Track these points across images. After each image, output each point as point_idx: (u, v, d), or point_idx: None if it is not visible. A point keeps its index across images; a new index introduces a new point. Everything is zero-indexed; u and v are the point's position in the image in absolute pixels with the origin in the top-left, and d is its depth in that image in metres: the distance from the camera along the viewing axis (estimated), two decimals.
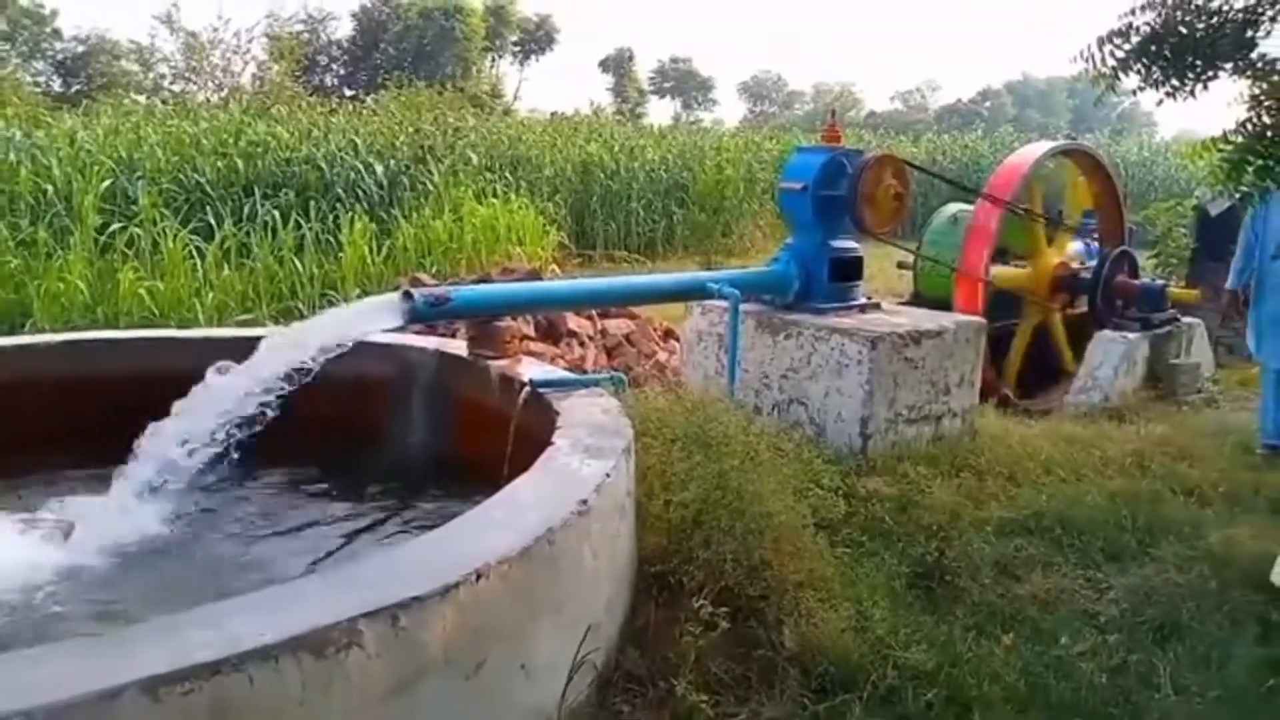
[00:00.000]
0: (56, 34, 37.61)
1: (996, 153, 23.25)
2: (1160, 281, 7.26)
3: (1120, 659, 2.90)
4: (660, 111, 55.90)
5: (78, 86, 33.34)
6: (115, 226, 8.94)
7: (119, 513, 3.05)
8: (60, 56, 36.96)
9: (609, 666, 2.47)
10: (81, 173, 9.79)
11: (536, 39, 45.26)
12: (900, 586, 3.19)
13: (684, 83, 58.63)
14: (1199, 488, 4.32)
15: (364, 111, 16.17)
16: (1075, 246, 7.43)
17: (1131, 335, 6.47)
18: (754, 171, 18.08)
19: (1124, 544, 3.69)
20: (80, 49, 36.65)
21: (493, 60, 43.81)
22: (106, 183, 9.65)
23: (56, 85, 34.93)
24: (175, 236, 8.77)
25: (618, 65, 52.48)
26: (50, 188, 9.49)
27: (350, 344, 3.28)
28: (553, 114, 24.13)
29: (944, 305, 6.26)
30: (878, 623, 2.82)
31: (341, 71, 41.76)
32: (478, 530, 2.17)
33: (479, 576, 1.96)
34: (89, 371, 3.87)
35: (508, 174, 13.72)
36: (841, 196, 4.61)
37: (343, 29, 41.92)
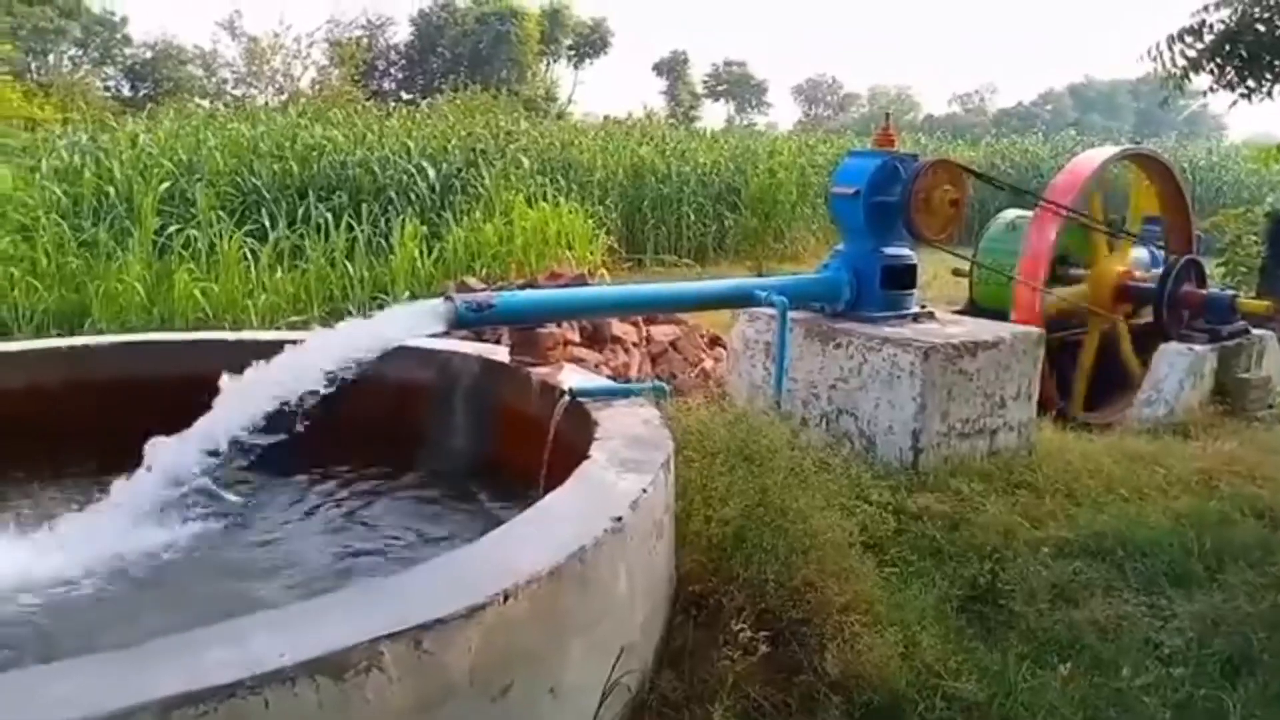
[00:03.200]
0: (126, 40, 38.73)
1: (1057, 157, 22.74)
2: (1229, 291, 6.97)
3: (1186, 693, 2.74)
4: (714, 115, 55.80)
5: (145, 91, 34.27)
6: (173, 228, 9.11)
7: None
8: (130, 62, 38.04)
9: (643, 689, 2.39)
10: (142, 175, 10.00)
11: (591, 42, 45.42)
12: (951, 610, 3.06)
13: (738, 86, 58.42)
14: (1270, 510, 4.10)
15: (418, 115, 16.31)
16: (1140, 254, 7.18)
17: (1198, 347, 6.21)
18: (807, 176, 17.87)
19: (1190, 569, 3.50)
20: (148, 54, 37.67)
21: (547, 64, 44.08)
22: (166, 185, 9.84)
23: (126, 90, 35.95)
24: (231, 238, 8.90)
25: (672, 68, 52.47)
26: (112, 190, 9.71)
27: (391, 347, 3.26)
28: (606, 117, 24.14)
29: (1001, 315, 6.07)
30: (926, 649, 2.69)
31: (399, 76, 42.36)
32: (507, 547, 2.10)
33: (507, 597, 1.89)
34: (137, 373, 3.91)
35: (559, 177, 13.72)
36: (895, 202, 4.48)
37: (401, 34, 42.54)
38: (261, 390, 3.12)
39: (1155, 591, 3.35)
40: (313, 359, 3.18)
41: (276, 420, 3.10)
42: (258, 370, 3.18)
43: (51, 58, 34.14)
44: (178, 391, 3.17)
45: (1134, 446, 4.89)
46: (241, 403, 3.11)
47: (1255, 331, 6.58)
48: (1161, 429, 5.61)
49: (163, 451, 3.09)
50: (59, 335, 7.16)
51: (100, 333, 7.18)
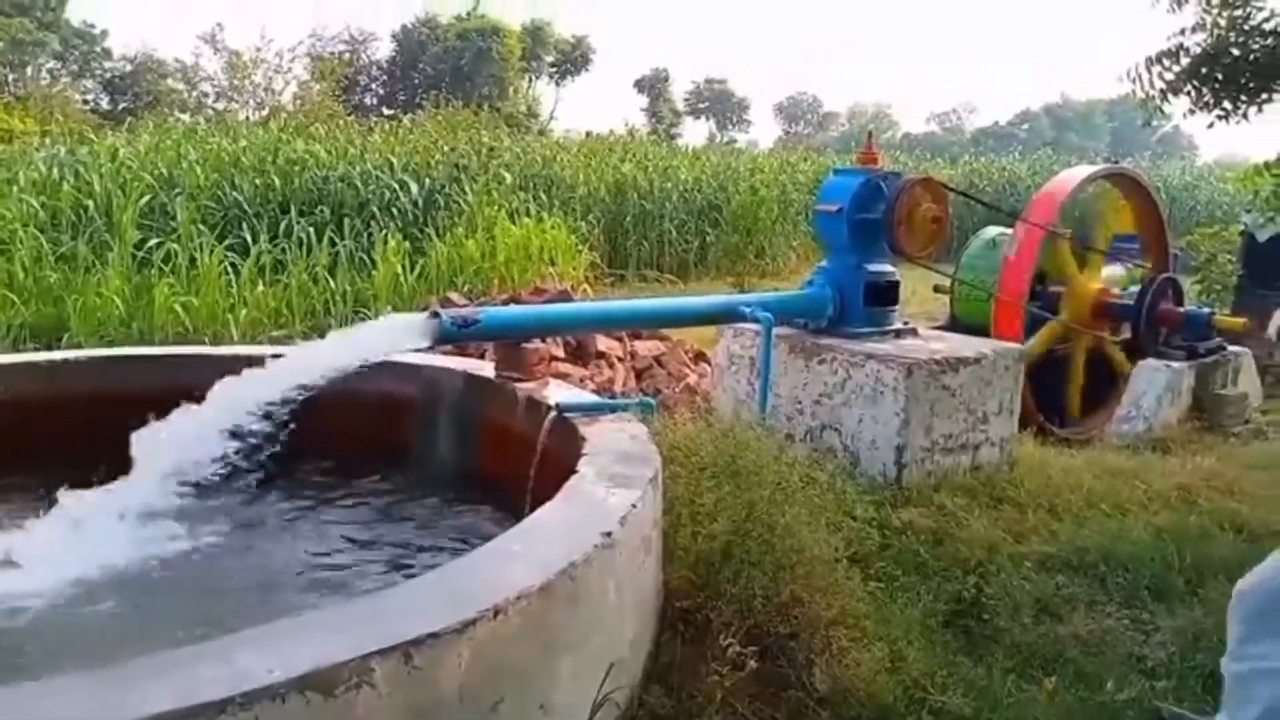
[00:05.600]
0: (106, 53, 38.50)
1: (1034, 176, 23.00)
2: (1206, 309, 7.06)
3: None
4: (695, 132, 56.10)
5: (125, 104, 34.03)
6: (153, 242, 9.05)
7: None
8: (109, 75, 37.79)
9: (632, 706, 2.39)
10: (122, 189, 9.92)
11: (573, 59, 45.54)
12: (936, 625, 3.07)
13: (719, 103, 58.77)
14: (1249, 525, 4.14)
15: (400, 130, 16.30)
16: (1114, 271, 7.26)
17: (1176, 364, 6.29)
18: (788, 193, 17.99)
19: (1171, 583, 3.53)
20: (128, 68, 37.44)
21: (529, 80, 44.17)
22: (146, 199, 9.78)
23: (105, 103, 35.69)
24: (211, 252, 8.84)
25: (653, 85, 52.70)
26: (91, 203, 9.63)
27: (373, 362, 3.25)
28: (587, 134, 24.20)
29: (982, 331, 6.13)
30: (912, 664, 2.71)
31: (381, 91, 42.30)
32: (497, 563, 2.10)
33: (498, 612, 1.88)
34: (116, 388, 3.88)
35: (541, 193, 13.75)
36: (878, 219, 4.52)
37: (383, 50, 42.52)
38: (241, 405, 3.10)
39: (1137, 606, 3.38)
40: (294, 373, 3.16)
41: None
42: (237, 383, 3.16)
43: (29, 70, 33.87)
44: (157, 406, 3.15)
45: (1114, 462, 4.94)
46: (207, 422, 3.09)
47: (1231, 348, 6.68)
48: (1140, 445, 5.67)
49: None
50: (36, 350, 7.09)
51: (79, 347, 7.11)
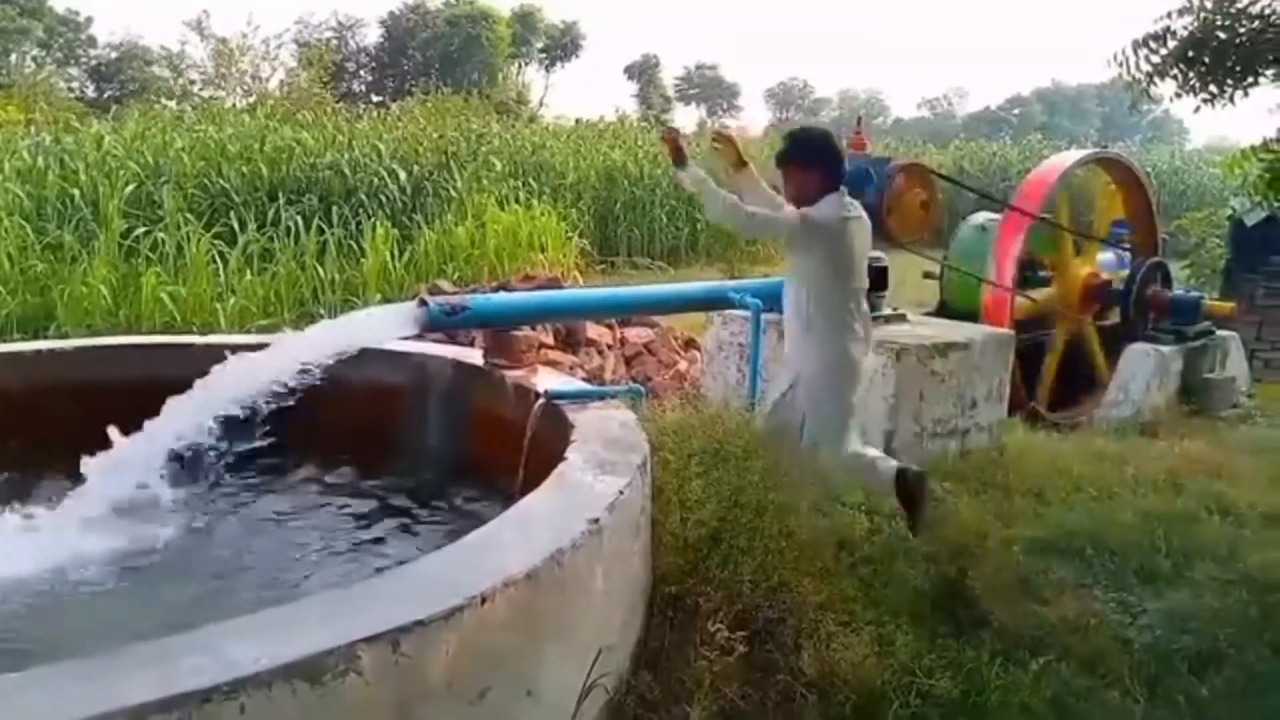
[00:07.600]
0: (91, 40, 38.15)
1: (1025, 160, 23.01)
2: (1195, 293, 7.09)
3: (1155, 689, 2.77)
4: (686, 118, 55.83)
5: (110, 92, 33.75)
6: (140, 231, 8.99)
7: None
8: (94, 63, 37.46)
9: (620, 691, 2.39)
10: (108, 177, 9.86)
11: (563, 46, 45.32)
12: (924, 609, 3.08)
13: (710, 89, 58.58)
14: (1235, 508, 4.17)
15: (389, 118, 16.21)
16: (1105, 257, 7.28)
17: (1164, 348, 6.31)
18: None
19: (1158, 566, 3.55)
20: (114, 55, 37.12)
21: (519, 67, 43.94)
22: (132, 187, 9.71)
23: (90, 91, 35.38)
24: (199, 241, 8.79)
25: (643, 71, 52.53)
26: (77, 192, 9.56)
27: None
28: (577, 120, 24.11)
29: (972, 317, 6.14)
30: (901, 647, 2.71)
31: (369, 78, 42.03)
32: (484, 550, 2.09)
33: (484, 599, 1.88)
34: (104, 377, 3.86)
35: (531, 180, 13.70)
36: (867, 205, 4.51)
37: (371, 36, 42.22)
38: (225, 393, 3.09)
39: (1124, 589, 3.39)
40: (281, 361, 3.15)
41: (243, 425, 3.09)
42: (220, 372, 3.15)
43: (13, 58, 33.53)
44: (145, 396, 3.14)
45: (1102, 446, 4.96)
46: (200, 406, 3.08)
47: (1220, 333, 6.70)
48: (1128, 429, 5.70)
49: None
50: (22, 339, 7.05)
51: (65, 337, 7.07)
